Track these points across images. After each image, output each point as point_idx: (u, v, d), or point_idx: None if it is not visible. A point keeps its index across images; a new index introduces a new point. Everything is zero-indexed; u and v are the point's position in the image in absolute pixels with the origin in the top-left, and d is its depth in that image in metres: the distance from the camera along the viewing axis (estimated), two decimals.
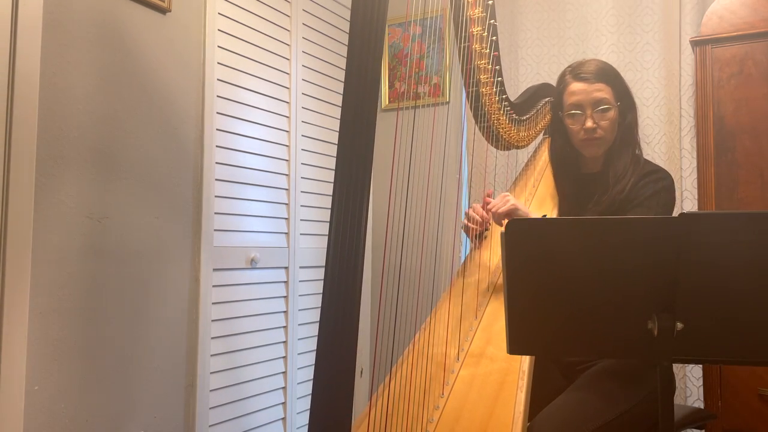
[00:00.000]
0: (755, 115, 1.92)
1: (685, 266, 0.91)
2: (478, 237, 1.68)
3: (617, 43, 2.45)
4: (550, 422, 1.33)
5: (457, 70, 2.75)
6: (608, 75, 1.58)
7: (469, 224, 1.64)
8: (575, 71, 1.60)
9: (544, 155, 1.88)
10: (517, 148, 1.83)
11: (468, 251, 1.76)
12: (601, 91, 1.56)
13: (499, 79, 1.63)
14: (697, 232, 0.90)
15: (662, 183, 1.52)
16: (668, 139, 2.35)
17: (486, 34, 1.57)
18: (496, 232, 1.65)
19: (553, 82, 2.53)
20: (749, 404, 1.83)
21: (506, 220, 1.48)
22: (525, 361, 1.33)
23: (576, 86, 1.58)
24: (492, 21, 1.57)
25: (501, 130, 1.70)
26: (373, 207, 2.65)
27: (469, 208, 1.69)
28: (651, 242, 0.92)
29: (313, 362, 2.74)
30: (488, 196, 1.66)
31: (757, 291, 0.91)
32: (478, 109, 1.63)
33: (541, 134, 1.95)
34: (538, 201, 1.68)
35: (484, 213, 1.63)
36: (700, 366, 2.13)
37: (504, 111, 1.67)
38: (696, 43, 2.02)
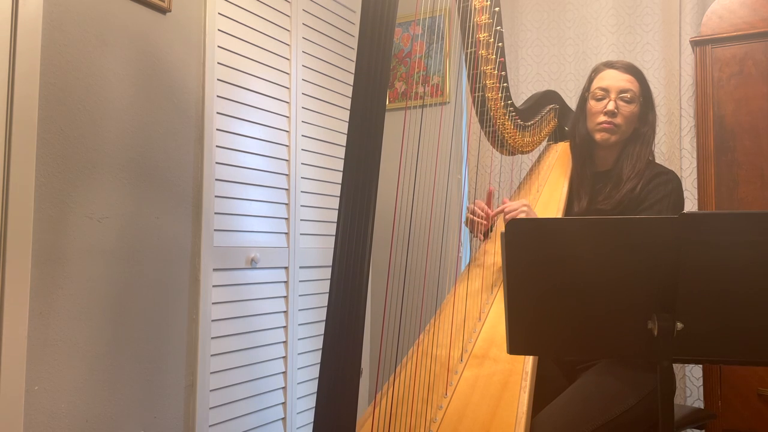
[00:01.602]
0: (755, 114, 1.92)
1: (685, 266, 0.91)
2: (483, 234, 1.69)
3: (617, 43, 2.45)
4: (551, 421, 1.33)
5: (458, 71, 2.75)
6: (638, 73, 1.64)
7: (475, 219, 1.66)
8: (609, 62, 1.67)
9: (548, 160, 1.88)
10: (522, 153, 1.84)
11: (470, 251, 1.77)
12: (630, 83, 1.61)
13: (505, 84, 1.65)
14: (697, 232, 0.90)
15: (671, 185, 1.54)
16: (668, 139, 2.35)
17: (492, 40, 1.59)
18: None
19: (553, 82, 2.55)
20: (749, 404, 1.83)
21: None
22: (528, 362, 1.33)
23: (608, 72, 1.64)
24: (498, 28, 1.59)
25: (506, 135, 1.71)
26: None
27: (471, 204, 1.70)
28: (651, 242, 0.92)
29: (314, 362, 2.74)
30: (490, 194, 1.68)
31: (757, 291, 0.91)
32: (483, 114, 1.65)
33: (545, 140, 1.96)
34: (542, 206, 1.69)
35: (489, 211, 1.65)
36: (700, 366, 2.13)
37: (509, 116, 1.69)
38: (696, 43, 2.02)
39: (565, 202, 1.67)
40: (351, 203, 0.96)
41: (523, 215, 1.54)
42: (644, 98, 1.62)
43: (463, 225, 2.60)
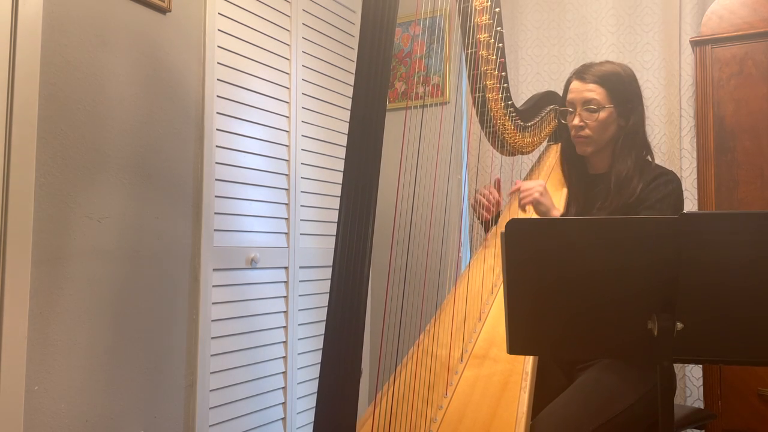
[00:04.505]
0: (755, 115, 1.92)
1: (685, 266, 0.91)
2: (491, 219, 1.70)
3: (617, 43, 2.45)
4: (552, 421, 1.33)
5: (458, 71, 2.75)
6: (605, 78, 1.60)
7: (482, 199, 1.67)
8: (579, 71, 1.65)
9: (549, 161, 1.89)
10: (522, 153, 1.85)
11: (471, 251, 1.77)
12: (592, 92, 1.59)
13: (505, 85, 1.65)
14: (697, 232, 0.90)
15: (671, 186, 1.54)
16: (668, 139, 2.35)
17: (492, 41, 1.59)
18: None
19: (553, 82, 2.55)
20: (749, 404, 1.83)
21: (523, 211, 1.53)
22: (528, 362, 1.33)
23: (573, 85, 1.64)
24: (498, 28, 1.59)
25: (506, 136, 1.72)
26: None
27: (482, 188, 1.72)
28: (651, 242, 0.92)
29: (313, 362, 2.74)
30: (498, 182, 1.71)
31: (756, 291, 0.91)
32: (483, 115, 1.66)
33: (546, 141, 1.97)
34: None
35: (498, 196, 1.67)
36: (700, 366, 2.13)
37: (509, 117, 1.69)
38: (696, 43, 2.02)
39: (565, 202, 1.67)
40: (351, 203, 0.96)
41: (537, 194, 1.56)
42: (617, 100, 1.60)
43: (463, 225, 2.60)
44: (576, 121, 1.61)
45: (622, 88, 1.61)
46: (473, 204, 1.76)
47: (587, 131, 1.60)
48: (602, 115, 1.59)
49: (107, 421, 1.71)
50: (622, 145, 1.60)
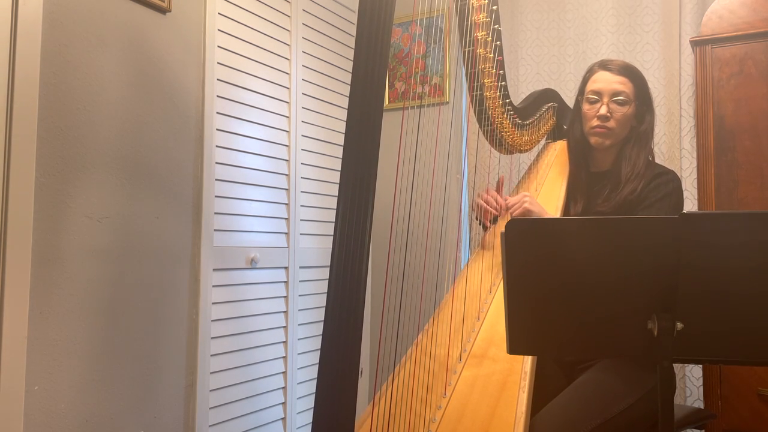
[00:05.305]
0: (755, 114, 1.92)
1: (685, 266, 0.91)
2: (492, 221, 1.69)
3: (617, 43, 2.45)
4: (550, 420, 1.33)
5: (458, 71, 2.75)
6: (633, 73, 1.62)
7: (487, 207, 1.65)
8: (603, 63, 1.65)
9: (547, 159, 1.88)
10: (520, 152, 1.84)
11: (469, 251, 1.76)
12: (623, 84, 1.59)
13: (503, 83, 1.65)
14: (697, 232, 0.90)
15: (672, 185, 1.54)
16: (668, 139, 2.35)
17: (490, 38, 1.59)
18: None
19: (553, 82, 2.55)
20: (749, 404, 1.83)
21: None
22: (527, 362, 1.33)
23: (600, 75, 1.62)
24: (496, 26, 1.59)
25: (504, 134, 1.71)
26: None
27: (483, 192, 1.69)
28: (651, 242, 0.92)
29: (314, 362, 2.74)
30: (501, 183, 1.68)
31: (757, 291, 0.91)
32: (481, 113, 1.65)
33: (544, 139, 1.96)
34: (541, 203, 1.68)
35: (502, 201, 1.65)
36: (700, 366, 2.13)
37: (507, 115, 1.68)
38: (696, 43, 2.02)
39: (564, 201, 1.67)
40: (349, 203, 0.96)
41: (527, 204, 1.55)
42: (640, 99, 1.61)
43: (462, 224, 2.59)
44: (603, 110, 1.59)
45: (644, 87, 1.63)
46: (474, 208, 1.73)
47: (612, 123, 1.59)
48: (629, 110, 1.60)
49: (107, 421, 1.71)
50: (633, 144, 1.61)
